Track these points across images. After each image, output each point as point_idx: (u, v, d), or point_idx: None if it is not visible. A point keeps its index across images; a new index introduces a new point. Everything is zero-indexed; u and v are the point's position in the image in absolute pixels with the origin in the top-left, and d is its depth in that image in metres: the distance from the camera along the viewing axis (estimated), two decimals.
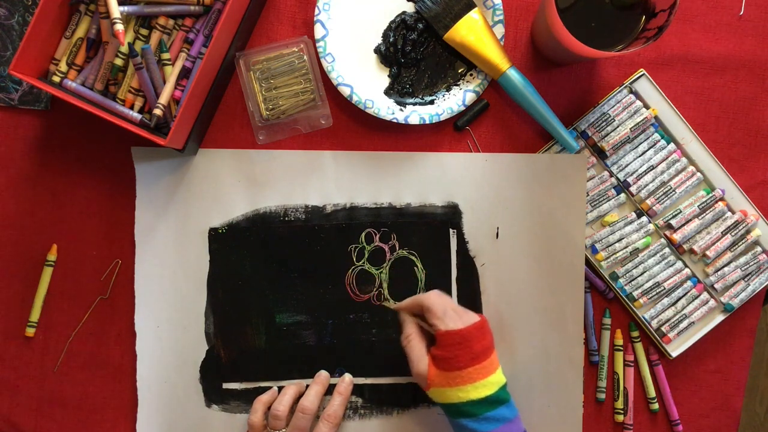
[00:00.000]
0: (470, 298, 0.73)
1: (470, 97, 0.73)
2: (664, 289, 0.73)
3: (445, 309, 0.64)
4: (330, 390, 0.72)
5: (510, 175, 0.73)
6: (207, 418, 0.73)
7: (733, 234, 0.73)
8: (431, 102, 0.73)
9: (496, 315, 0.73)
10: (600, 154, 0.74)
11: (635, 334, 0.74)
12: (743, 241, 0.73)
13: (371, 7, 0.73)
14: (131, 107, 0.69)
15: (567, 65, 0.74)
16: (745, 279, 0.74)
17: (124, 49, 0.67)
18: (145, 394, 0.72)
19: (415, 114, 0.72)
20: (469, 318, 0.65)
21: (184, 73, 0.69)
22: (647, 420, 0.75)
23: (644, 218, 0.73)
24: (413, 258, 0.74)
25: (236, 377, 0.73)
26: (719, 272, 0.74)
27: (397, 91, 0.74)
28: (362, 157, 0.74)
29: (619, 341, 0.75)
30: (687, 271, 0.74)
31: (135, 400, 0.73)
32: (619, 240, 0.73)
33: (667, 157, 0.73)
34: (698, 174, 0.74)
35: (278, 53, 0.72)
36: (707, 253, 0.73)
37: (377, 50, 0.74)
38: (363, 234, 0.74)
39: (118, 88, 0.69)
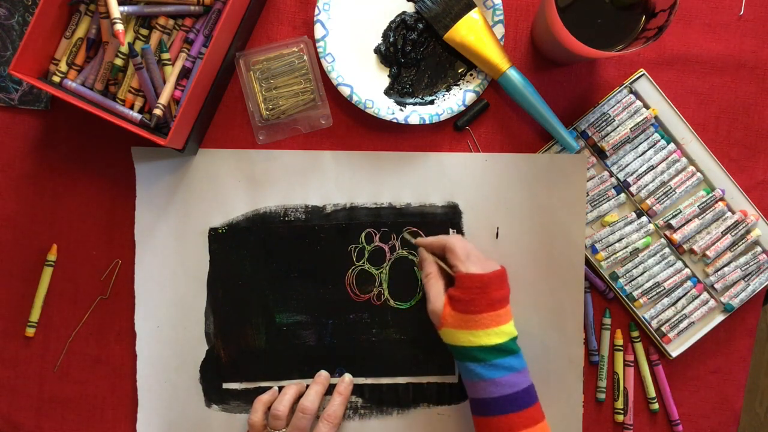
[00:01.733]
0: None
1: (470, 97, 0.73)
2: (664, 289, 0.73)
3: (468, 252, 0.65)
4: (330, 390, 0.72)
5: (510, 175, 0.73)
6: (207, 418, 0.73)
7: (733, 234, 0.73)
8: (431, 102, 0.73)
9: None
10: (600, 154, 0.74)
11: (635, 334, 0.74)
12: (743, 241, 0.73)
13: (371, 7, 0.73)
14: (131, 107, 0.69)
15: (567, 65, 0.74)
16: (745, 279, 0.74)
17: (124, 49, 0.67)
18: (145, 394, 0.72)
19: (415, 114, 0.72)
20: (490, 265, 0.66)
21: (184, 73, 0.69)
22: (647, 420, 0.75)
23: (644, 218, 0.73)
24: (413, 258, 0.74)
25: (236, 377, 0.73)
26: (719, 272, 0.74)
27: (397, 91, 0.74)
28: (362, 157, 0.74)
29: (619, 341, 0.75)
30: (687, 271, 0.74)
31: (135, 400, 0.73)
32: (619, 240, 0.73)
33: (667, 157, 0.73)
34: (698, 174, 0.74)
35: (278, 53, 0.72)
36: (707, 253, 0.73)
37: (377, 50, 0.74)
38: (363, 234, 0.74)
39: (118, 88, 0.70)
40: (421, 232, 0.73)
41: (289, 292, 0.73)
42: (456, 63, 0.74)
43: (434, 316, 0.66)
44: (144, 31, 0.69)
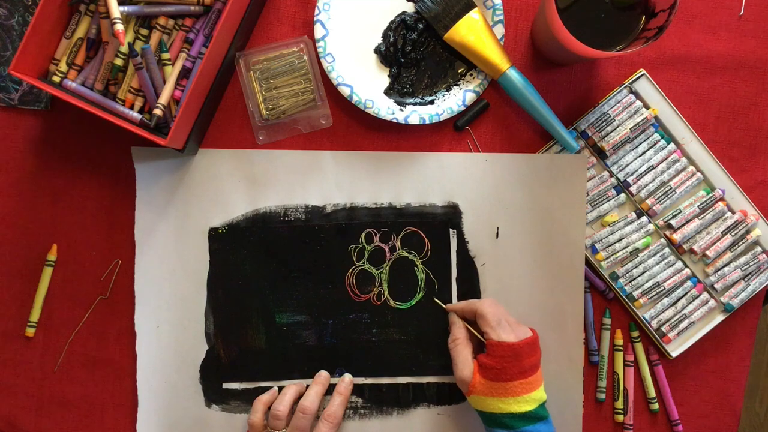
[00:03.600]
0: (470, 299, 0.73)
1: (470, 97, 0.73)
2: (664, 289, 0.73)
3: (499, 319, 0.65)
4: (330, 390, 0.72)
5: (510, 175, 0.73)
6: (207, 418, 0.73)
7: (733, 234, 0.73)
8: (431, 102, 0.73)
9: None
10: (600, 154, 0.74)
11: (635, 334, 0.74)
12: (743, 241, 0.73)
13: (371, 7, 0.73)
14: (131, 107, 0.69)
15: (567, 65, 0.74)
16: (745, 279, 0.74)
17: (124, 49, 0.67)
18: (145, 394, 0.72)
19: (415, 114, 0.72)
20: (522, 332, 0.65)
21: (184, 73, 0.69)
22: (647, 420, 0.75)
23: (644, 218, 0.73)
24: (413, 258, 0.74)
25: (236, 377, 0.73)
26: (719, 272, 0.74)
27: (397, 91, 0.74)
28: (362, 157, 0.74)
29: (619, 341, 0.75)
30: (687, 271, 0.74)
31: (135, 400, 0.73)
32: (619, 240, 0.73)
33: (667, 157, 0.73)
34: (698, 174, 0.74)
35: (278, 53, 0.72)
36: (707, 253, 0.73)
37: (377, 50, 0.74)
38: (363, 234, 0.74)
39: (118, 88, 0.70)
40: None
41: (289, 292, 0.73)
42: (456, 63, 0.74)
43: (462, 383, 0.65)
44: (144, 31, 0.69)
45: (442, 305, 0.72)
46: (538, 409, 0.64)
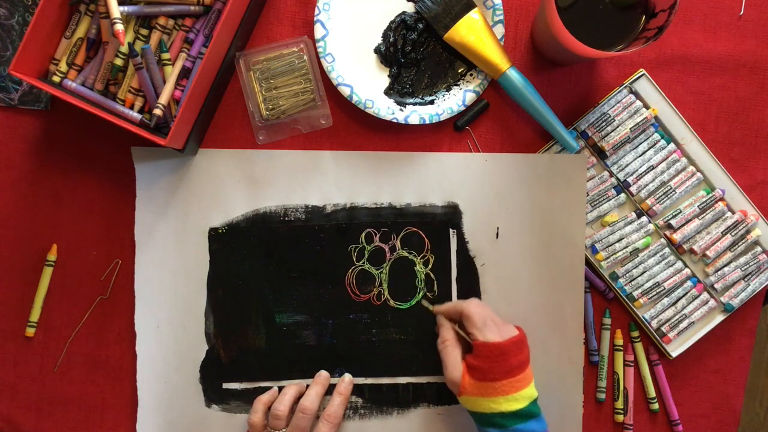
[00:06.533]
0: (470, 298, 0.73)
1: (470, 97, 0.73)
2: (664, 289, 0.73)
3: (484, 320, 0.65)
4: (330, 390, 0.72)
5: (510, 175, 0.73)
6: (207, 418, 0.73)
7: (733, 234, 0.73)
8: (431, 102, 0.73)
9: (496, 315, 0.73)
10: (600, 154, 0.74)
11: (635, 334, 0.74)
12: (743, 241, 0.73)
13: (371, 7, 0.73)
14: (131, 107, 0.69)
15: (567, 65, 0.74)
16: (745, 279, 0.74)
17: (124, 49, 0.67)
18: (145, 394, 0.72)
19: (415, 114, 0.72)
20: (508, 331, 0.65)
21: (184, 73, 0.69)
22: (647, 420, 0.75)
23: (644, 218, 0.73)
24: (413, 258, 0.74)
25: (236, 377, 0.73)
26: (719, 272, 0.74)
27: (397, 91, 0.74)
28: (362, 157, 0.74)
29: (619, 341, 0.75)
30: (687, 271, 0.74)
31: (135, 400, 0.73)
32: (619, 240, 0.73)
33: (667, 157, 0.73)
34: (698, 174, 0.74)
35: (278, 53, 0.72)
36: (707, 253, 0.73)
37: (377, 50, 0.74)
38: (363, 234, 0.74)
39: (118, 88, 0.70)
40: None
41: (289, 292, 0.73)
42: (456, 63, 0.74)
43: (452, 384, 0.66)
44: (144, 31, 0.69)
45: (430, 308, 0.72)
46: (529, 407, 0.63)
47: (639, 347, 0.75)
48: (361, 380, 0.73)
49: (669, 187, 0.73)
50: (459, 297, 0.73)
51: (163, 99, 0.67)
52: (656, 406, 0.74)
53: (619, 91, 0.73)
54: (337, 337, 0.73)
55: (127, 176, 0.74)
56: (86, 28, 0.69)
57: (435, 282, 0.73)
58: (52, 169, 0.74)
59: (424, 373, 0.73)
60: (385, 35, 0.73)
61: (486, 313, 0.66)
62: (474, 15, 0.71)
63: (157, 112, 0.67)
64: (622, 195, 0.73)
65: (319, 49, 0.71)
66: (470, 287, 0.73)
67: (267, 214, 0.74)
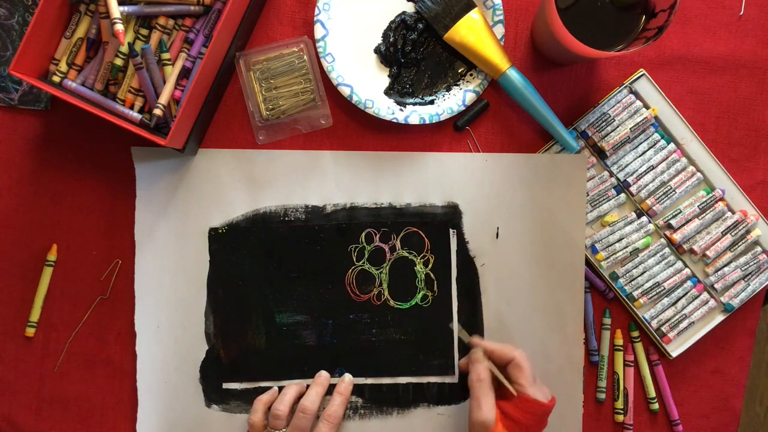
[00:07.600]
0: (470, 298, 0.73)
1: (470, 97, 0.73)
2: (664, 289, 0.73)
3: (534, 376, 0.65)
4: (330, 390, 0.72)
5: (510, 175, 0.73)
6: (207, 418, 0.73)
7: (733, 234, 0.73)
8: (431, 102, 0.73)
9: (496, 315, 0.73)
10: (600, 154, 0.74)
11: (635, 334, 0.74)
12: (743, 241, 0.73)
13: (371, 7, 0.73)
14: (131, 107, 0.69)
15: (567, 65, 0.74)
16: (745, 279, 0.74)
17: (124, 49, 0.67)
18: (145, 394, 0.72)
19: (415, 114, 0.72)
20: (548, 393, 0.66)
21: (184, 73, 0.69)
22: (647, 420, 0.75)
23: (644, 218, 0.73)
24: (413, 258, 0.74)
25: (236, 377, 0.73)
26: (719, 272, 0.74)
27: (397, 91, 0.74)
28: (362, 157, 0.74)
29: (619, 341, 0.75)
30: (687, 271, 0.74)
31: (135, 400, 0.73)
32: (619, 240, 0.73)
33: (667, 157, 0.73)
34: (698, 174, 0.74)
35: (278, 53, 0.72)
36: (707, 253, 0.73)
37: (377, 50, 0.74)
38: (363, 234, 0.74)
39: (118, 88, 0.70)
40: (422, 232, 0.73)
41: (289, 292, 0.73)
42: (456, 63, 0.74)
43: (482, 426, 0.63)
44: (144, 31, 0.69)
45: (466, 338, 0.70)
46: None
47: (639, 347, 0.75)
48: (361, 380, 0.73)
49: (669, 187, 0.73)
50: (459, 297, 0.73)
51: (163, 99, 0.67)
52: (656, 406, 0.74)
53: (619, 91, 0.73)
54: (337, 337, 0.73)
55: (127, 176, 0.74)
56: (86, 28, 0.69)
57: (435, 282, 0.73)
58: (52, 169, 0.74)
59: (424, 373, 0.73)
60: (385, 35, 0.73)
61: (532, 369, 0.66)
62: (474, 15, 0.71)
63: (157, 112, 0.67)
64: (622, 195, 0.73)
65: (319, 49, 0.71)
66: (470, 287, 0.73)
67: (267, 214, 0.74)
